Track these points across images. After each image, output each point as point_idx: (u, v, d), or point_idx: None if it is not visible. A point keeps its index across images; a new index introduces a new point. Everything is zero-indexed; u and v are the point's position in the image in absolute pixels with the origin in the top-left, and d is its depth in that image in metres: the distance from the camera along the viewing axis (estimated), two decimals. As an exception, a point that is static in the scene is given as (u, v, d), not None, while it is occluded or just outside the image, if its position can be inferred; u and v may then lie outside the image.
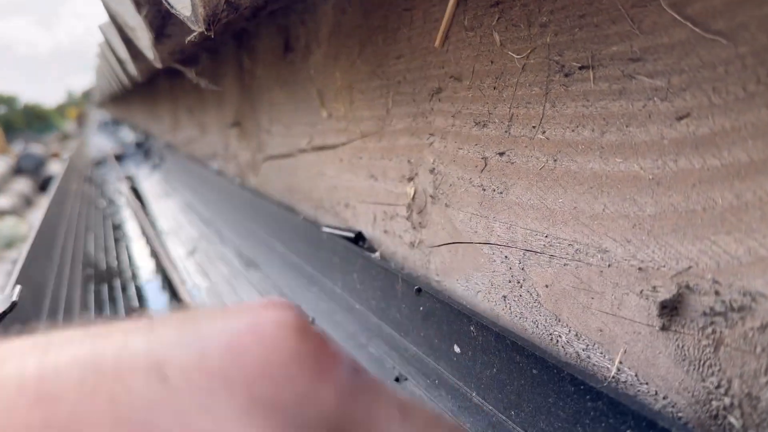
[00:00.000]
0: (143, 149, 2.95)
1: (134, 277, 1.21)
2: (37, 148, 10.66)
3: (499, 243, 0.45)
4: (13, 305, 0.57)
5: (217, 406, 0.19)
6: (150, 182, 2.25)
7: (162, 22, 0.60)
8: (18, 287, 0.59)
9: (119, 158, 3.02)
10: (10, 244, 5.31)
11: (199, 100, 1.62)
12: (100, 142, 4.00)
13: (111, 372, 0.19)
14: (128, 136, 3.67)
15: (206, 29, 0.43)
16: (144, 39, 0.66)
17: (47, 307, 0.79)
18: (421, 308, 0.51)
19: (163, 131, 2.57)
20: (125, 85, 1.77)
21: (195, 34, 0.44)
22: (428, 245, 0.55)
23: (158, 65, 0.69)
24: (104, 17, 0.96)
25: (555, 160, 0.38)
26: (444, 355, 0.48)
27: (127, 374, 0.20)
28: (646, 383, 0.34)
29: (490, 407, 0.42)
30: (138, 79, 1.33)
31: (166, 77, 1.89)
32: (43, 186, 7.38)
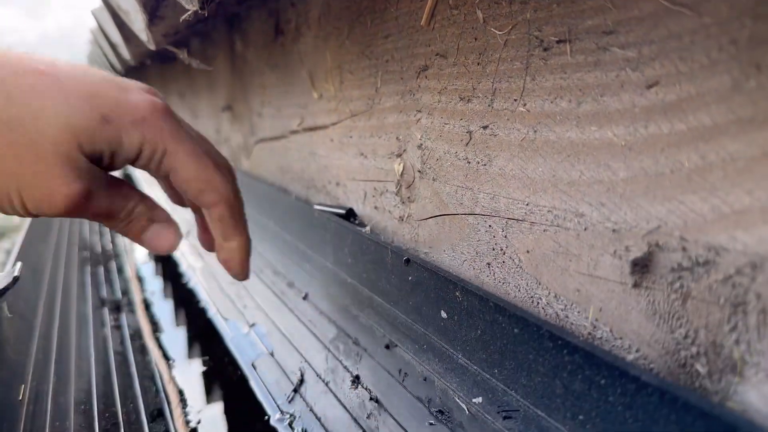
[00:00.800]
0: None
1: (129, 259, 1.23)
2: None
3: (483, 213, 0.47)
4: (16, 280, 0.59)
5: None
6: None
7: (156, 3, 0.62)
8: (19, 263, 0.61)
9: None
10: (2, 234, 5.30)
11: (190, 84, 1.63)
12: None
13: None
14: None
15: (200, 8, 0.44)
16: (138, 21, 0.67)
17: (46, 288, 0.81)
18: (410, 278, 0.53)
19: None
20: (117, 71, 1.77)
21: (189, 12, 0.45)
22: (416, 219, 0.57)
23: (152, 47, 0.71)
24: (96, 2, 0.97)
25: (535, 131, 0.40)
26: (431, 321, 0.50)
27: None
28: (621, 338, 0.36)
29: (475, 367, 0.44)
30: (131, 63, 1.34)
31: (157, 63, 1.89)
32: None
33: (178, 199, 0.57)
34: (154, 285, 1.09)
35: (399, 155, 0.58)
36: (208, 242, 0.55)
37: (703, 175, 0.30)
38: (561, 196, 0.39)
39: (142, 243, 0.49)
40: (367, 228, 0.65)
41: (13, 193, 0.41)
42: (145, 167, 0.46)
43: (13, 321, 0.62)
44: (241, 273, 0.53)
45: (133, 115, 0.44)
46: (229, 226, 0.50)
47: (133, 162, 0.45)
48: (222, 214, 0.48)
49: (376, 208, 0.65)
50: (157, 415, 0.61)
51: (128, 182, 0.47)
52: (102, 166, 0.44)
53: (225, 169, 0.49)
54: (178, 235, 0.50)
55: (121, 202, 0.46)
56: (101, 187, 0.44)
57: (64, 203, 0.41)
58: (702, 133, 0.30)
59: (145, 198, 0.48)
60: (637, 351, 0.35)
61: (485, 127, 0.45)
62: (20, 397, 0.53)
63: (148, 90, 0.48)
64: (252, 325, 0.76)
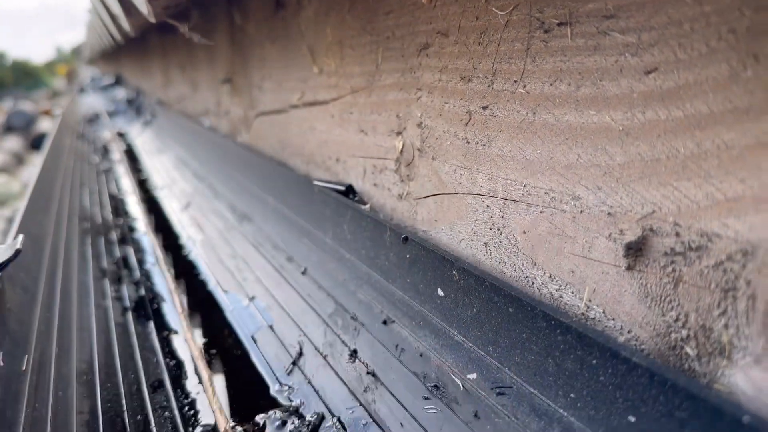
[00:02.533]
0: (134, 106, 2.93)
1: (130, 230, 1.23)
2: (26, 106, 10.52)
3: (481, 193, 0.47)
4: (17, 253, 0.59)
5: None
6: (142, 139, 2.25)
7: (155, -24, 0.61)
8: (21, 236, 0.61)
9: (110, 115, 3.00)
10: (3, 202, 5.30)
11: (191, 57, 1.62)
12: (91, 99, 3.97)
13: None
14: (119, 92, 3.65)
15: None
16: (137, -7, 0.66)
17: (48, 258, 0.81)
18: (408, 256, 0.54)
19: (155, 88, 2.56)
20: (117, 41, 1.76)
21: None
22: (415, 197, 0.57)
23: (152, 20, 0.70)
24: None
25: (534, 113, 0.40)
26: (428, 299, 0.51)
27: None
28: (613, 319, 0.36)
29: (470, 344, 0.45)
30: (130, 35, 1.33)
31: (158, 34, 1.88)
32: (34, 144, 7.31)
33: None
34: (154, 256, 1.10)
35: (399, 133, 0.58)
36: None
37: (698, 162, 0.30)
38: (558, 179, 0.39)
39: None
40: (367, 206, 0.66)
41: None
42: None
43: (15, 293, 0.63)
44: None
45: None
46: None
47: None
48: None
49: (375, 185, 0.66)
50: (158, 386, 0.62)
51: None
52: None
53: None
54: None
55: None
56: None
57: None
58: (698, 121, 0.30)
59: None
60: (629, 332, 0.35)
61: (485, 108, 0.45)
62: (24, 368, 0.54)
63: None
64: (252, 298, 0.77)
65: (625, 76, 0.34)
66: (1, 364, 0.51)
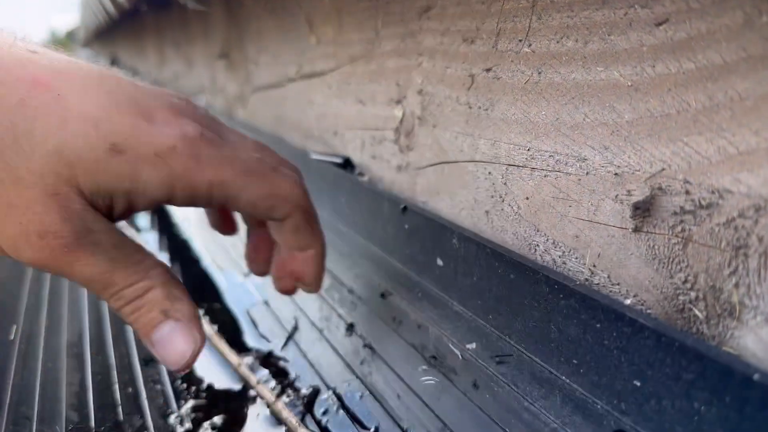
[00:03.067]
0: (130, 88, 2.90)
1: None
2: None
3: (483, 160, 0.46)
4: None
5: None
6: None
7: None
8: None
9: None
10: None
11: (186, 32, 1.60)
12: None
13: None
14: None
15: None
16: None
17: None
18: (407, 226, 0.53)
19: (150, 68, 2.53)
20: (111, 15, 1.73)
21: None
22: (415, 167, 0.56)
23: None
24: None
25: (539, 73, 0.39)
26: (427, 269, 0.50)
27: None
28: (618, 284, 0.35)
29: (470, 313, 0.44)
30: (125, 6, 1.31)
31: (152, 9, 1.85)
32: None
33: (224, 225, 0.52)
34: (149, 236, 1.09)
35: (398, 102, 0.57)
36: (261, 260, 0.49)
37: (710, 115, 0.29)
38: (564, 140, 0.38)
39: (151, 345, 0.37)
40: (366, 178, 0.64)
41: None
42: (186, 205, 0.37)
43: (5, 263, 0.61)
44: (316, 283, 0.47)
45: (153, 147, 0.34)
46: (307, 234, 0.44)
47: (171, 203, 0.37)
48: (297, 224, 0.42)
49: (373, 157, 0.64)
50: (150, 360, 0.61)
51: (146, 250, 0.37)
52: (114, 211, 0.35)
53: (290, 172, 0.42)
54: (197, 344, 0.38)
55: (127, 273, 0.36)
56: (99, 242, 0.34)
57: (39, 249, 0.33)
58: (711, 72, 0.29)
59: (166, 279, 0.37)
60: (634, 296, 0.34)
61: (488, 70, 0.44)
62: (12, 338, 0.53)
63: (184, 106, 0.39)
64: (247, 275, 0.76)
65: (634, 29, 0.32)
66: (-11, 332, 0.49)
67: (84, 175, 0.33)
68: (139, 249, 0.37)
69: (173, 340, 0.37)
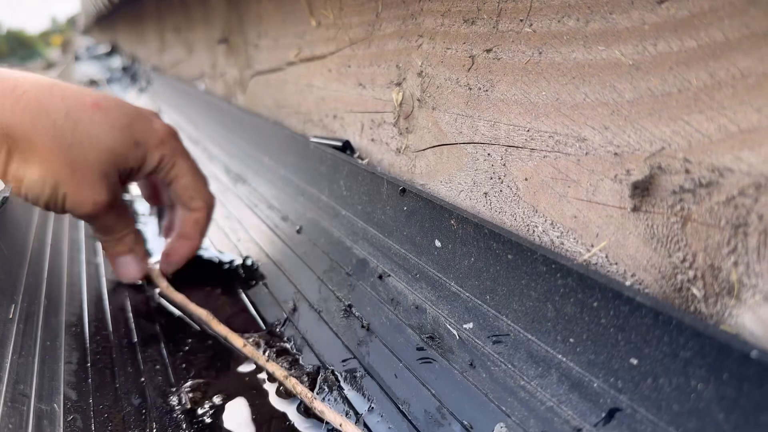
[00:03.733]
0: (130, 73, 2.89)
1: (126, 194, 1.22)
2: (20, 75, 10.39)
3: (482, 141, 0.46)
4: (4, 200, 0.58)
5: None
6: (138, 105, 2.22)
7: None
8: (9, 185, 0.60)
9: (106, 83, 2.96)
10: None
11: (186, 17, 1.59)
12: (85, 67, 3.92)
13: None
14: (115, 61, 3.60)
15: None
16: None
17: (38, 214, 0.80)
18: (405, 209, 0.53)
19: (150, 54, 2.52)
20: (113, 2, 1.72)
21: None
22: (414, 150, 0.56)
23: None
24: None
25: (540, 53, 0.39)
26: (425, 251, 0.50)
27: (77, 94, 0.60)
28: (616, 263, 0.35)
29: (467, 294, 0.44)
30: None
31: (153, -4, 1.84)
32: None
33: (154, 199, 0.79)
34: (150, 223, 1.09)
35: (398, 84, 0.57)
36: (166, 233, 0.75)
37: (712, 93, 0.29)
38: (564, 121, 0.38)
39: (112, 264, 0.68)
40: (365, 161, 0.64)
41: (59, 198, 0.57)
42: (155, 176, 0.66)
43: (3, 243, 0.61)
44: (174, 265, 0.70)
45: (156, 139, 0.63)
46: (199, 229, 0.70)
47: (148, 174, 0.65)
48: (199, 218, 0.70)
49: (372, 140, 0.64)
50: (150, 340, 0.61)
51: (130, 211, 0.65)
52: (129, 177, 0.64)
53: (208, 187, 0.72)
54: (142, 271, 0.69)
55: (121, 224, 0.64)
56: (117, 204, 0.62)
57: (92, 207, 0.59)
58: (713, 50, 0.29)
59: (137, 231, 0.68)
60: (632, 276, 0.34)
61: (489, 51, 0.44)
62: (10, 316, 0.53)
63: (155, 114, 0.69)
64: (245, 258, 0.76)
65: (636, 7, 0.32)
66: (-12, 310, 0.49)
67: (120, 161, 0.60)
68: (128, 211, 0.67)
69: (129, 264, 0.68)
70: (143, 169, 0.63)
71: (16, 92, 0.55)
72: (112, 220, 0.63)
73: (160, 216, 0.89)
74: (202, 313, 0.62)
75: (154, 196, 0.78)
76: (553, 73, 0.38)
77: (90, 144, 0.57)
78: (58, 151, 0.55)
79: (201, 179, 0.69)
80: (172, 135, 0.66)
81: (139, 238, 0.68)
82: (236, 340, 0.57)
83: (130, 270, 0.67)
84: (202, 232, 0.71)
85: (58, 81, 0.60)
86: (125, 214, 0.65)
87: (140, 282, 0.71)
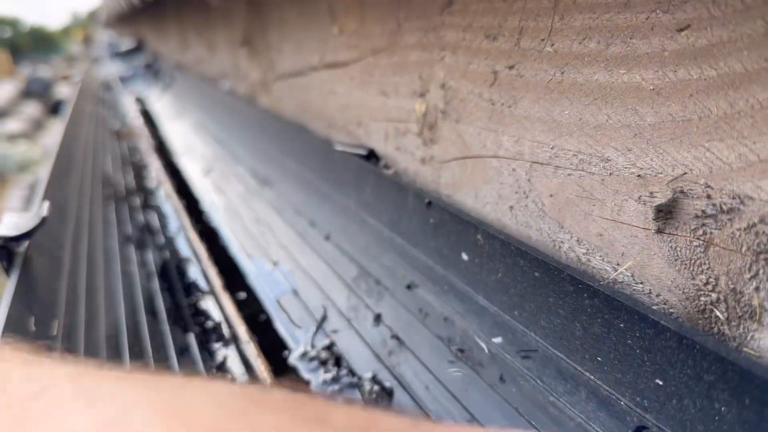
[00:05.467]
0: (153, 70, 2.93)
1: (153, 196, 1.24)
2: (44, 71, 10.58)
3: (506, 156, 0.47)
4: (44, 220, 0.60)
5: None
6: (161, 103, 2.25)
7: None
8: (47, 203, 0.62)
9: (129, 80, 3.00)
10: (24, 168, 5.37)
11: (207, 19, 1.60)
12: (109, 64, 3.97)
13: None
14: (138, 58, 3.64)
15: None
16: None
17: (73, 225, 0.82)
18: (431, 220, 0.54)
19: (172, 52, 2.55)
20: (134, 4, 1.74)
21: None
22: (439, 161, 0.57)
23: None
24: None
25: (562, 73, 0.40)
26: (452, 263, 0.51)
27: None
28: (641, 283, 0.36)
29: (495, 308, 0.45)
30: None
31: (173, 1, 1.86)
32: (53, 109, 7.35)
33: None
34: (175, 222, 1.11)
35: (421, 95, 0.58)
36: None
37: (731, 122, 0.30)
38: (587, 140, 0.39)
39: None
40: (391, 170, 0.65)
41: None
42: None
43: (42, 260, 0.64)
44: None
45: None
46: None
47: None
48: None
49: (397, 149, 0.65)
50: (186, 349, 0.63)
51: None
52: None
53: None
54: None
55: None
56: None
57: None
58: (732, 80, 0.29)
59: None
60: (657, 296, 0.35)
61: (511, 67, 0.44)
62: (54, 333, 0.55)
63: None
64: (275, 263, 0.78)
65: (656, 33, 0.33)
66: (33, 329, 0.52)
67: None
68: None
69: None
70: None
71: None
72: None
73: None
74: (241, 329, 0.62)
75: None
76: (575, 93, 0.39)
77: None
78: None
79: None
80: None
81: None
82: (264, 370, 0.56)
83: None
84: None
85: None
86: None
87: None
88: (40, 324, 0.53)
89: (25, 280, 0.55)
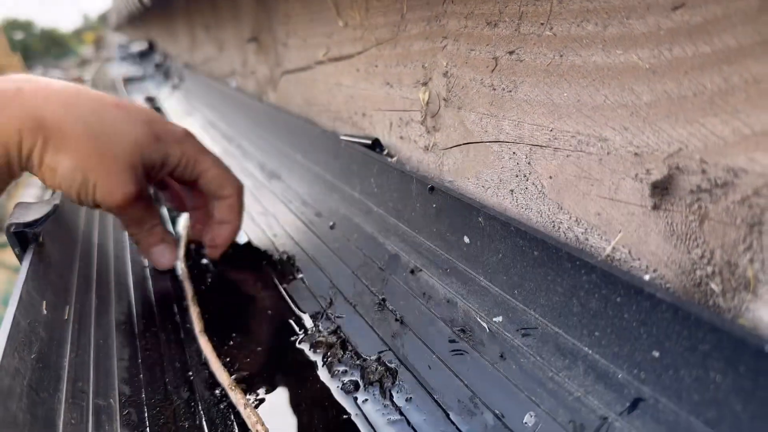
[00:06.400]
0: (162, 70, 2.95)
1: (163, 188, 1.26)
2: (56, 74, 10.65)
3: (507, 140, 0.48)
4: (56, 208, 0.61)
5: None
6: (171, 102, 2.27)
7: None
8: (59, 192, 0.63)
9: (139, 80, 3.03)
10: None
11: (215, 17, 1.62)
12: (119, 65, 4.00)
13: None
14: (150, 59, 3.66)
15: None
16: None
17: (84, 214, 0.84)
18: (434, 206, 0.54)
19: (182, 51, 2.57)
20: (144, 2, 1.76)
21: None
22: (441, 147, 0.58)
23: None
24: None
25: (561, 56, 0.40)
26: (455, 247, 0.52)
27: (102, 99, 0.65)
28: (638, 259, 0.37)
29: (496, 288, 0.46)
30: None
31: (182, -6, 1.88)
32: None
33: (179, 207, 0.83)
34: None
35: (425, 84, 0.58)
36: (200, 232, 0.79)
37: (725, 97, 0.30)
38: (585, 121, 0.39)
39: (149, 255, 0.73)
40: (394, 159, 0.66)
41: (90, 187, 0.60)
42: (180, 175, 0.70)
43: (55, 247, 0.65)
44: (220, 248, 0.76)
45: (175, 136, 0.68)
46: (234, 213, 0.75)
47: (172, 172, 0.69)
48: (232, 203, 0.74)
49: (401, 138, 0.66)
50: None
51: (155, 204, 0.70)
52: (153, 173, 0.67)
53: (234, 174, 0.75)
54: (176, 257, 0.75)
55: (150, 215, 0.69)
56: (145, 197, 0.66)
57: (121, 197, 0.62)
58: (726, 56, 0.30)
59: (162, 220, 0.72)
60: (654, 271, 0.36)
61: (511, 53, 0.45)
62: (66, 317, 0.56)
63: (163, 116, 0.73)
64: (283, 253, 0.79)
65: (652, 13, 0.33)
66: (45, 312, 0.53)
67: (145, 154, 0.63)
68: (153, 203, 0.70)
69: (164, 253, 0.73)
70: (166, 165, 0.67)
71: (48, 90, 0.60)
72: (140, 212, 0.66)
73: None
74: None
75: (179, 204, 0.82)
76: (574, 76, 0.40)
77: (116, 135, 0.61)
78: (87, 140, 0.59)
79: (225, 169, 0.73)
80: (189, 134, 0.71)
81: (165, 228, 0.73)
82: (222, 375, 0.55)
83: (165, 258, 0.73)
84: (239, 214, 0.75)
85: (83, 86, 0.65)
86: (152, 206, 0.69)
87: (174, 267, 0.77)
88: (52, 308, 0.55)
89: (37, 266, 0.56)
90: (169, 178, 0.73)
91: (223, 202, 0.73)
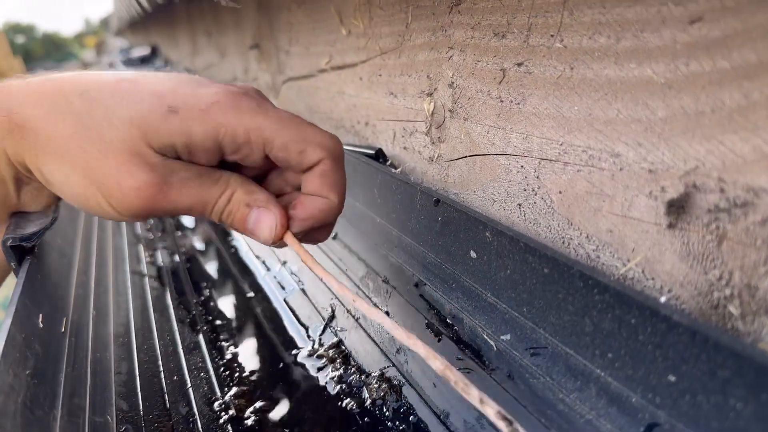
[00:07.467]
0: (162, 76, 2.94)
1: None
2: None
3: (515, 153, 0.47)
4: (54, 219, 0.60)
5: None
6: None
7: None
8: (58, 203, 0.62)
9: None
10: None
11: (217, 23, 1.61)
12: (121, 69, 3.98)
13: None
14: (152, 64, 3.65)
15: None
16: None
17: (83, 224, 0.83)
18: (439, 218, 0.53)
19: (183, 57, 2.56)
20: (145, 9, 1.75)
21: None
22: (446, 159, 0.57)
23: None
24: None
25: (572, 68, 0.39)
26: (461, 261, 0.51)
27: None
28: (652, 278, 0.36)
29: (504, 305, 0.45)
30: (158, 1, 1.33)
31: (184, 3, 1.87)
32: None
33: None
34: (186, 220, 1.11)
35: (429, 94, 0.58)
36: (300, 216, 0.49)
37: (746, 114, 0.29)
38: (597, 136, 0.38)
39: (250, 233, 0.47)
40: (398, 170, 0.65)
41: (98, 193, 0.43)
42: (240, 158, 0.44)
43: (53, 258, 0.64)
44: (300, 222, 0.47)
45: (200, 104, 0.42)
46: (328, 182, 0.46)
47: (224, 155, 0.44)
48: (324, 169, 0.46)
49: (405, 148, 0.65)
50: (194, 347, 0.63)
51: (219, 169, 0.45)
52: (184, 159, 0.44)
53: (325, 131, 0.47)
54: (276, 217, 0.45)
55: (214, 190, 0.45)
56: (182, 178, 0.43)
57: (136, 195, 0.42)
58: (746, 71, 0.29)
59: (241, 180, 0.46)
60: (669, 291, 0.35)
61: (520, 65, 0.44)
62: (63, 330, 0.55)
63: (237, 85, 0.46)
64: (283, 263, 0.78)
65: (667, 26, 0.32)
66: (41, 325, 0.52)
67: (151, 134, 0.42)
68: (215, 169, 0.45)
69: (260, 221, 0.45)
70: (197, 145, 0.43)
71: (29, 87, 0.45)
72: (191, 195, 0.45)
73: None
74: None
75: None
76: (585, 89, 0.39)
77: (106, 121, 0.43)
78: (76, 138, 0.43)
79: (304, 125, 0.45)
80: (230, 94, 0.44)
81: (252, 187, 0.46)
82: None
83: (261, 229, 0.46)
84: (334, 184, 0.47)
85: (79, 71, 0.48)
86: (212, 176, 0.45)
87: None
88: (49, 320, 0.53)
89: (34, 278, 0.55)
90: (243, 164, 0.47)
91: (311, 173, 0.46)
